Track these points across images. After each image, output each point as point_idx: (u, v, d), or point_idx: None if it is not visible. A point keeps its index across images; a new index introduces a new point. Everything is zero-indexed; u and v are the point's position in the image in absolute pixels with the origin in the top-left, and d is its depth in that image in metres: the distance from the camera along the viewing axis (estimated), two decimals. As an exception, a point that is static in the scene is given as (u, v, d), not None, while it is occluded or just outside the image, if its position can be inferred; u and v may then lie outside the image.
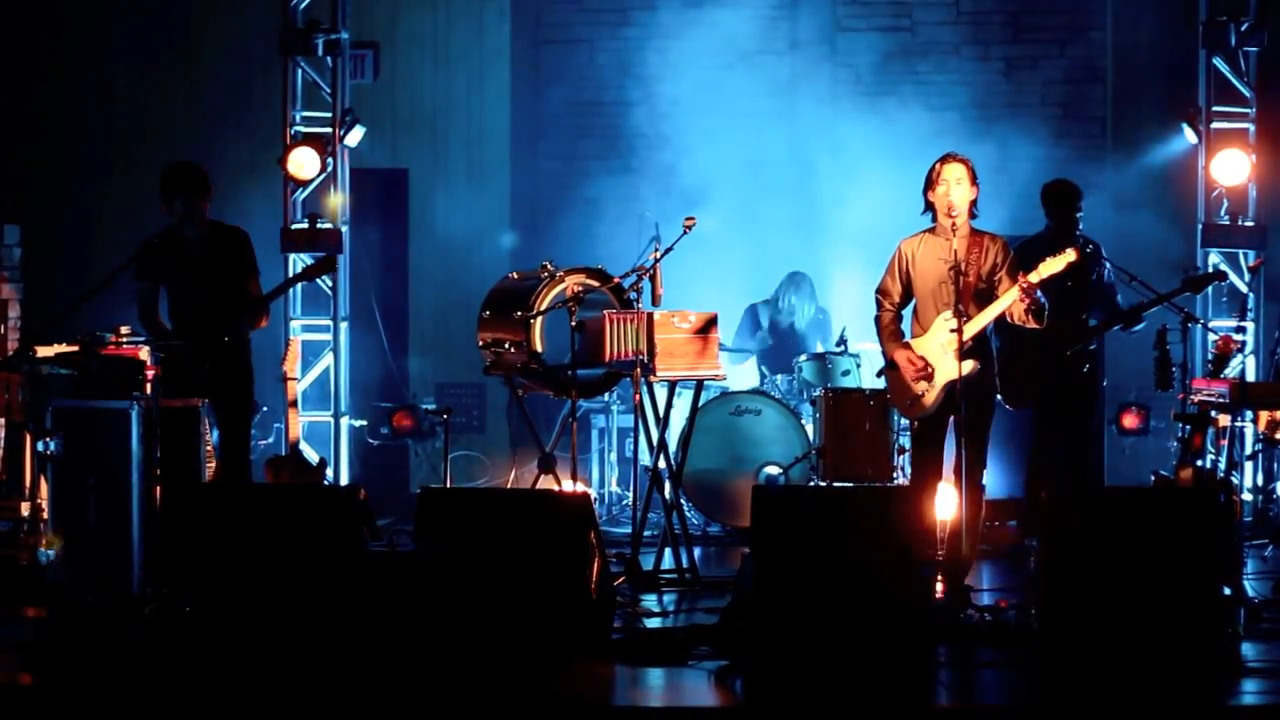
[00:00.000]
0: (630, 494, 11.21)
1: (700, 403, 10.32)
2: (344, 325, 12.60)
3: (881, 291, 9.05)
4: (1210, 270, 11.64)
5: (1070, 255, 8.70)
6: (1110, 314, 10.46)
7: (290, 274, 12.22)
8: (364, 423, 13.44)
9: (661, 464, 9.95)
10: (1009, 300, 8.66)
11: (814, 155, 13.52)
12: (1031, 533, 10.10)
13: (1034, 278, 8.60)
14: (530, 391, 10.50)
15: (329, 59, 12.37)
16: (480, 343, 10.49)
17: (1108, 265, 10.54)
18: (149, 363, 9.70)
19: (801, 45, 14.17)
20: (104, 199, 14.07)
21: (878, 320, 9.08)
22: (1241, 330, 11.87)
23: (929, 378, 8.78)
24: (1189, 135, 12.41)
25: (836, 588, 7.25)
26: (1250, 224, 12.16)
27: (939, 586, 8.57)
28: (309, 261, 12.34)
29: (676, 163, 13.41)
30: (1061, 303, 9.79)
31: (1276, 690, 7.37)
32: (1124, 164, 13.71)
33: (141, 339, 9.76)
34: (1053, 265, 8.65)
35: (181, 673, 7.42)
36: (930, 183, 8.89)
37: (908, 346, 8.91)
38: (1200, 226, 12.22)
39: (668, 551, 9.91)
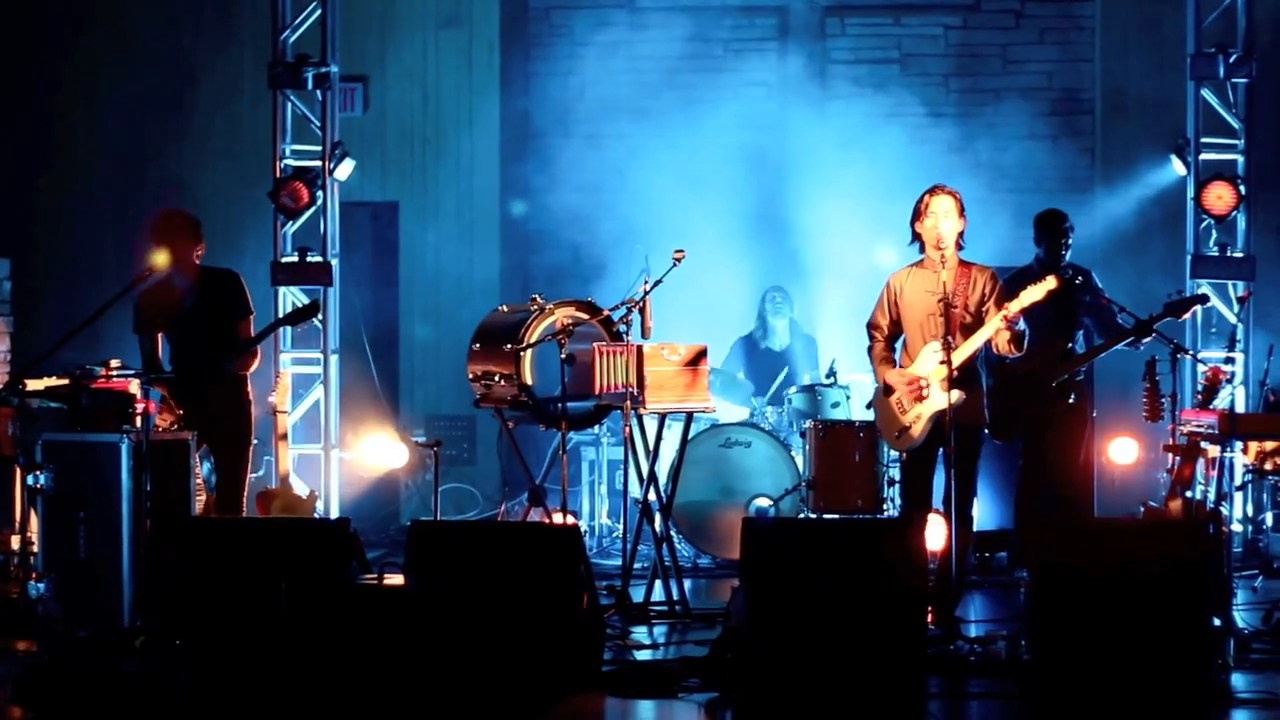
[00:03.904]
0: (620, 526, 11.22)
1: (690, 435, 10.32)
2: (334, 358, 12.57)
3: (872, 325, 9.08)
4: (1192, 294, 11.57)
5: (1050, 283, 8.71)
6: (1111, 335, 10.42)
7: (278, 309, 12.24)
8: (354, 455, 13.42)
9: (651, 496, 9.94)
10: (992, 329, 8.68)
11: (803, 187, 13.52)
12: (1021, 564, 10.10)
13: (1015, 306, 8.63)
14: (520, 424, 10.50)
15: (318, 92, 12.34)
16: (470, 375, 10.50)
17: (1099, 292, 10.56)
18: (139, 396, 9.69)
19: (790, 78, 14.19)
20: (94, 233, 14.06)
21: (870, 351, 9.11)
22: (1230, 361, 11.90)
23: (925, 397, 8.77)
24: (1178, 166, 12.43)
25: (826, 620, 7.24)
26: (1239, 255, 12.17)
27: (929, 618, 8.57)
28: (299, 294, 12.38)
29: (666, 195, 13.41)
30: (1045, 332, 9.81)
31: (1267, 721, 7.40)
32: (1113, 195, 13.72)
33: (131, 372, 9.76)
34: (1033, 294, 8.67)
35: (172, 707, 7.39)
36: (918, 214, 8.92)
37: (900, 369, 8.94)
38: (1189, 257, 12.22)
39: (658, 584, 9.90)
